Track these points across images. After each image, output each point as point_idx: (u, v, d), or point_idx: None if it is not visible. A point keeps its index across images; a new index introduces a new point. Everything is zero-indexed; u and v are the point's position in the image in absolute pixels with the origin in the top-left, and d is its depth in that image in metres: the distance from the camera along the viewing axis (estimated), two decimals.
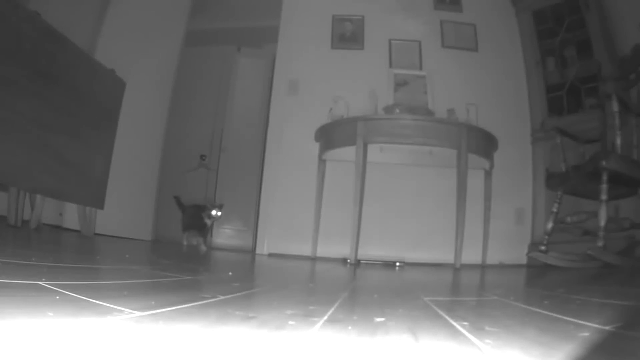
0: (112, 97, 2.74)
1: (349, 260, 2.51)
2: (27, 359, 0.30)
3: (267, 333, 0.44)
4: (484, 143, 2.76)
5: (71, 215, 2.81)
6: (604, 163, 1.99)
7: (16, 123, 1.94)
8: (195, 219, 2.83)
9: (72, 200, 2.55)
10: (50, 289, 0.57)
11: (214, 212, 2.76)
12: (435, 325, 0.53)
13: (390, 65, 3.31)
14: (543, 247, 2.35)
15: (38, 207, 2.39)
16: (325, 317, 0.54)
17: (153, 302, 0.56)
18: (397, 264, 2.61)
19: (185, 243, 3.00)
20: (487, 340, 0.44)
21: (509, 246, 3.04)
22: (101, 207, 2.69)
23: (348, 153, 2.70)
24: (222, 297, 0.67)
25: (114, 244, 2.50)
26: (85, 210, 2.64)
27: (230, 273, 1.33)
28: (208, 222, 2.79)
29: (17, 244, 1.50)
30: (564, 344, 0.44)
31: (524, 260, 2.95)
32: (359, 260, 2.58)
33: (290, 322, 0.50)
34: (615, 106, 2.08)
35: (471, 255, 2.79)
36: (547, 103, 3.15)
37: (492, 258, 2.95)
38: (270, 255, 3.05)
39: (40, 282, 0.61)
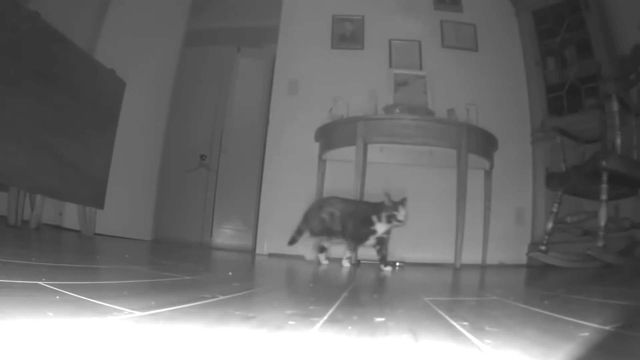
0: (112, 97, 2.74)
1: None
2: (27, 359, 0.30)
3: (267, 333, 0.44)
4: (484, 143, 2.76)
5: (71, 215, 2.81)
6: (604, 163, 1.99)
7: (16, 123, 1.94)
8: (354, 223, 1.90)
9: (72, 200, 2.55)
10: (50, 289, 0.57)
11: (401, 214, 1.83)
12: (435, 325, 0.53)
13: (390, 65, 3.31)
14: (543, 247, 2.35)
15: (38, 207, 2.39)
16: (325, 317, 0.54)
17: (153, 302, 0.56)
18: (397, 264, 2.60)
19: (309, 257, 2.14)
20: (487, 340, 0.44)
21: (509, 246, 3.04)
22: (101, 207, 2.69)
23: (348, 153, 2.70)
24: (222, 297, 0.67)
25: (114, 244, 2.50)
26: (85, 210, 2.64)
27: (230, 273, 1.33)
28: (380, 229, 1.87)
29: (17, 244, 1.50)
30: (564, 344, 0.44)
31: (524, 260, 2.95)
32: (359, 260, 2.58)
33: (290, 322, 0.50)
34: (615, 106, 2.08)
35: (471, 255, 2.79)
36: (547, 103, 3.15)
37: (492, 258, 2.95)
38: (270, 255, 3.05)
39: (40, 282, 0.61)
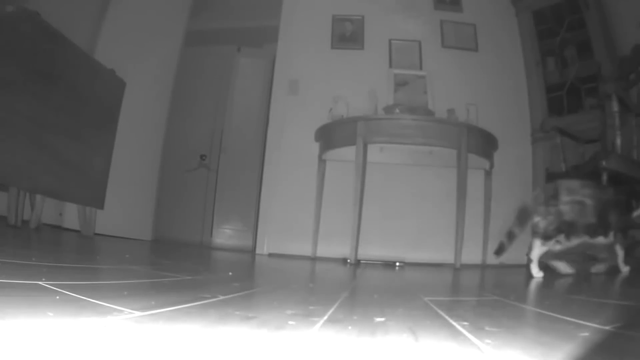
0: (112, 97, 2.74)
1: (349, 260, 2.51)
2: (27, 359, 0.30)
3: (267, 333, 0.44)
4: (484, 143, 2.76)
5: (71, 215, 2.81)
6: (604, 163, 1.99)
7: (16, 123, 1.94)
8: (617, 212, 1.38)
9: (72, 200, 2.55)
10: (50, 289, 0.57)
11: None
12: (435, 325, 0.53)
13: (390, 65, 3.30)
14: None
15: (38, 207, 2.39)
16: (326, 317, 0.54)
17: (153, 302, 0.56)
18: (397, 264, 2.60)
19: (537, 273, 1.53)
20: (487, 340, 0.44)
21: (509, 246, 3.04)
22: (101, 207, 2.69)
23: (348, 153, 2.70)
24: (222, 297, 0.67)
25: (114, 244, 2.49)
26: (85, 210, 2.64)
27: (230, 273, 1.33)
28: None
29: (17, 244, 1.50)
30: (564, 344, 0.44)
31: (524, 260, 2.93)
32: (359, 260, 2.58)
33: (290, 322, 0.50)
34: (615, 106, 2.08)
35: (471, 255, 2.79)
36: (547, 103, 3.15)
37: (492, 258, 2.95)
38: (270, 255, 3.05)
39: (40, 282, 0.61)
